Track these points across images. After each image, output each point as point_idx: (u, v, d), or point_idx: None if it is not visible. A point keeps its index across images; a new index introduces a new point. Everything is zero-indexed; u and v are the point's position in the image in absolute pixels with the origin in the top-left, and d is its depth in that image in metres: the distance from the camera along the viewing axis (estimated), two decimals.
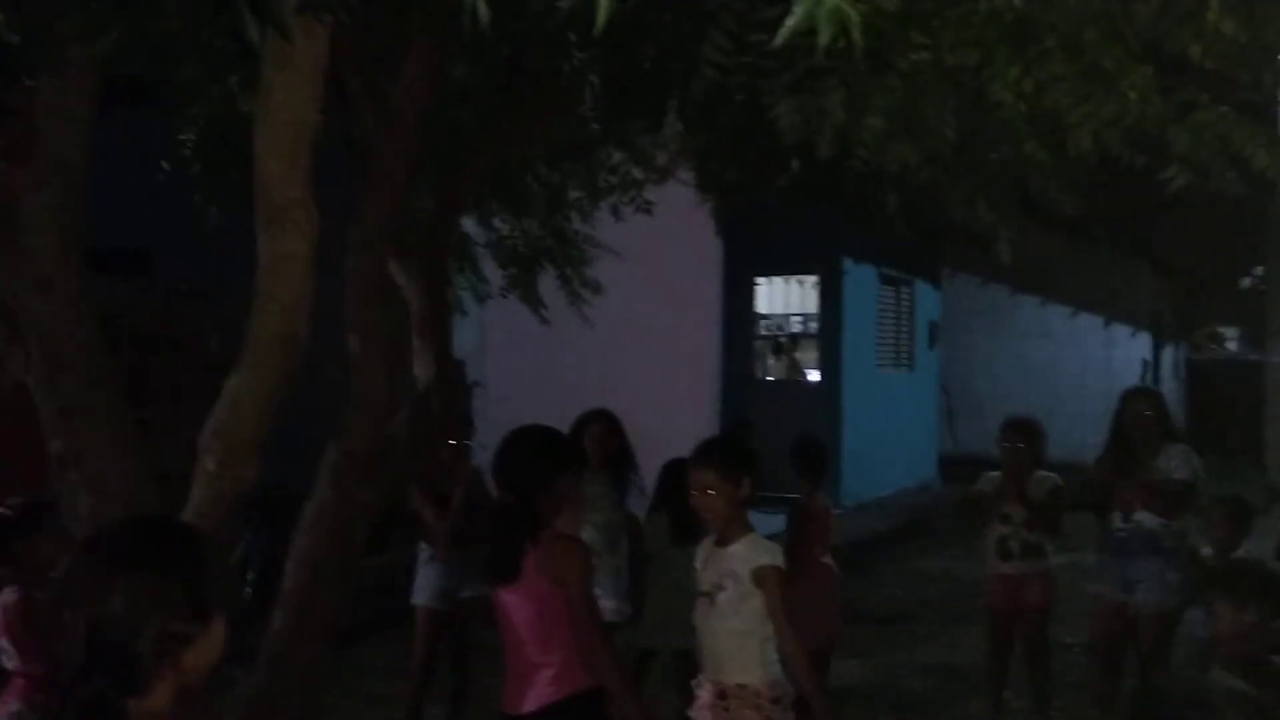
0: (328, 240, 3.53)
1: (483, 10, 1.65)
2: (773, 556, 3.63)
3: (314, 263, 3.18)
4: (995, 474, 5.82)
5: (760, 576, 3.58)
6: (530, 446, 3.49)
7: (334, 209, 3.54)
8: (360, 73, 3.87)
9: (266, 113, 3.06)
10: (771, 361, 14.30)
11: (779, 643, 3.59)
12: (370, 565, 6.00)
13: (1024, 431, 5.75)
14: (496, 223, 6.06)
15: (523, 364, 8.38)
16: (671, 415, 9.59)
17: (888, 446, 13.44)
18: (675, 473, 5.25)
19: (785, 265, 13.58)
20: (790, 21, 1.49)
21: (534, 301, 6.37)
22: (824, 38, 1.51)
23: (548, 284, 6.39)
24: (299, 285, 3.10)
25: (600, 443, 5.47)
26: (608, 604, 5.40)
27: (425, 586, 5.44)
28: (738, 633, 3.61)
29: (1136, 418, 5.37)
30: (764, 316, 14.59)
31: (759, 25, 2.69)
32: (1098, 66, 2.65)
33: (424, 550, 5.46)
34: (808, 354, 14.11)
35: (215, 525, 3.13)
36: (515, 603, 3.35)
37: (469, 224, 6.09)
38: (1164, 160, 3.29)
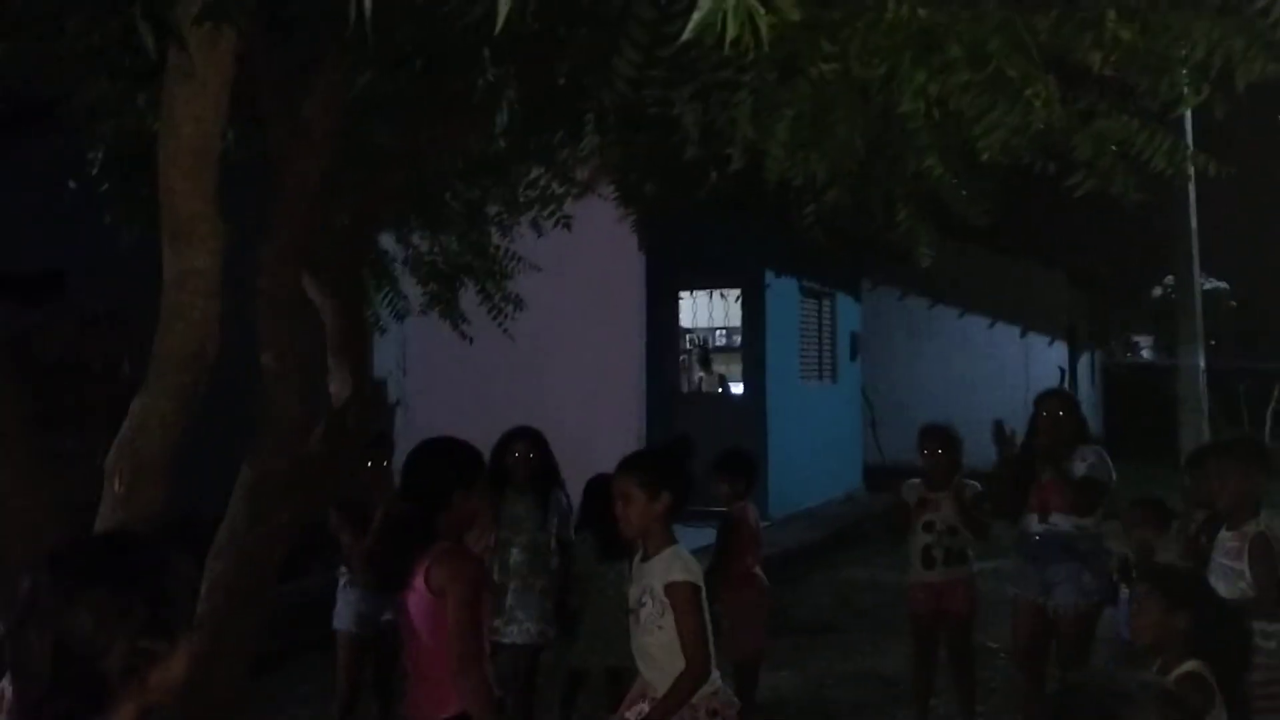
0: (243, 257, 3.47)
1: (367, 6, 1.62)
2: (685, 572, 3.55)
3: (227, 280, 3.12)
4: (916, 481, 5.90)
5: (671, 591, 3.52)
6: (433, 457, 3.47)
7: (248, 225, 3.48)
8: (271, 87, 3.81)
9: (170, 127, 2.99)
10: (701, 375, 14.37)
11: (686, 657, 3.49)
12: (291, 589, 5.89)
13: (940, 438, 5.84)
14: (415, 239, 5.99)
15: (445, 382, 8.30)
16: (597, 431, 9.58)
17: (813, 457, 13.56)
18: (600, 489, 5.23)
19: (708, 279, 13.67)
20: (696, 15, 1.48)
21: (455, 318, 6.31)
22: (731, 32, 1.50)
23: (469, 300, 6.34)
24: (205, 302, 3.03)
25: (524, 461, 5.42)
26: (530, 626, 5.36)
27: (345, 611, 5.35)
28: (663, 646, 3.55)
29: (1050, 420, 5.47)
30: (688, 330, 14.66)
31: (670, 38, 2.70)
32: (1002, 75, 2.70)
33: (343, 574, 5.37)
34: (732, 367, 14.20)
35: None
36: (408, 610, 3.31)
37: (387, 240, 6.02)
38: (1071, 168, 3.37)
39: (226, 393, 3.58)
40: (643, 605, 3.61)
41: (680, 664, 3.51)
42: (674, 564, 3.57)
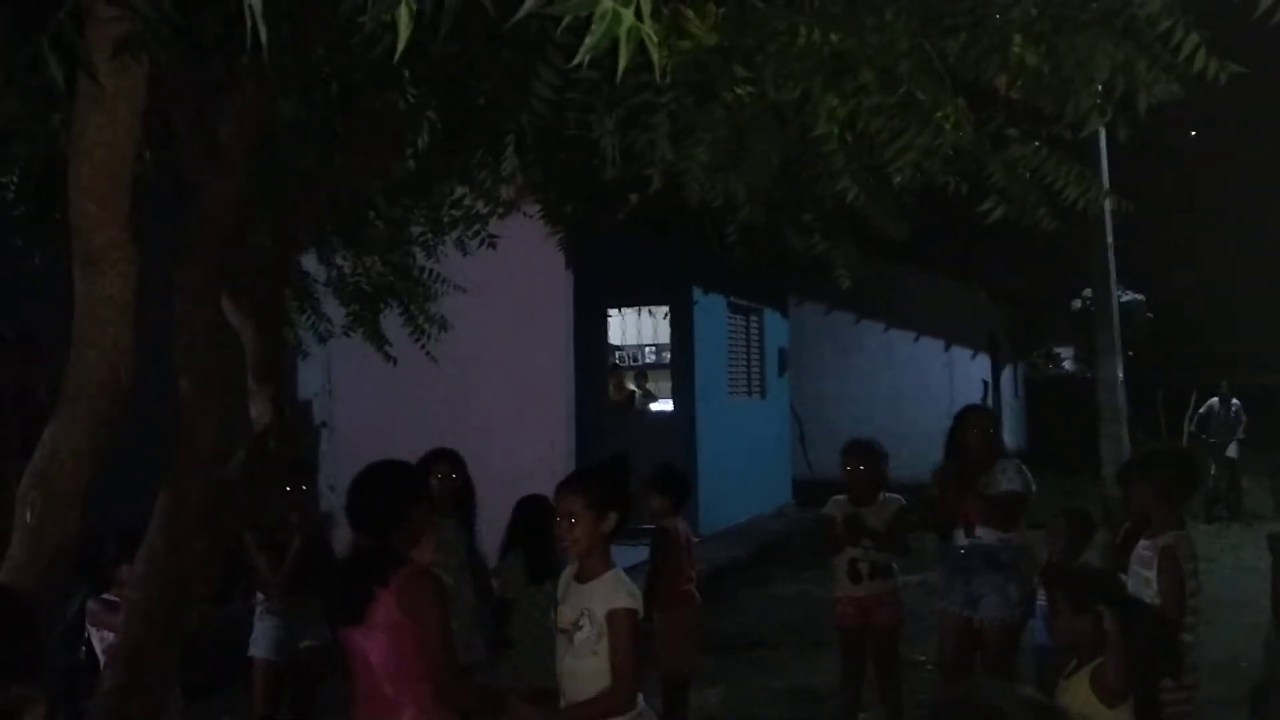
0: (160, 281, 3.41)
1: (262, 32, 1.61)
2: (630, 599, 3.50)
3: (141, 304, 3.07)
4: (842, 497, 5.96)
5: (612, 618, 3.45)
6: (382, 482, 3.45)
7: (164, 249, 3.43)
8: (185, 109, 3.76)
9: (81, 152, 2.94)
10: (638, 392, 14.40)
11: (612, 683, 3.45)
12: (213, 617, 5.77)
13: (864, 454, 5.91)
14: (338, 260, 5.93)
15: (372, 404, 8.21)
16: (526, 450, 9.55)
17: (742, 473, 13.63)
18: (529, 509, 5.21)
19: (637, 296, 13.72)
20: (589, 40, 1.50)
21: (378, 340, 6.25)
22: (623, 59, 1.52)
23: (394, 322, 6.28)
24: (117, 329, 2.98)
25: (447, 483, 5.36)
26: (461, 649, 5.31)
27: (261, 638, 5.25)
28: (596, 671, 3.48)
29: (969, 435, 5.58)
30: (617, 348, 14.68)
31: (588, 62, 2.72)
32: (913, 98, 2.76)
33: (259, 601, 5.27)
34: (661, 384, 14.24)
35: (35, 580, 2.98)
36: (371, 643, 3.27)
37: (309, 262, 5.96)
38: (985, 191, 3.45)
39: (145, 419, 3.52)
40: (579, 628, 3.53)
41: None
42: (618, 589, 3.51)
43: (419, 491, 3.54)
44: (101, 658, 4.28)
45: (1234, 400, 15.64)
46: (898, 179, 3.01)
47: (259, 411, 4.04)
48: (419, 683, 3.25)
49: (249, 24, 1.59)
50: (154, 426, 3.79)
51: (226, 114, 3.68)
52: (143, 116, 2.99)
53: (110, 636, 4.15)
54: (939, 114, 2.78)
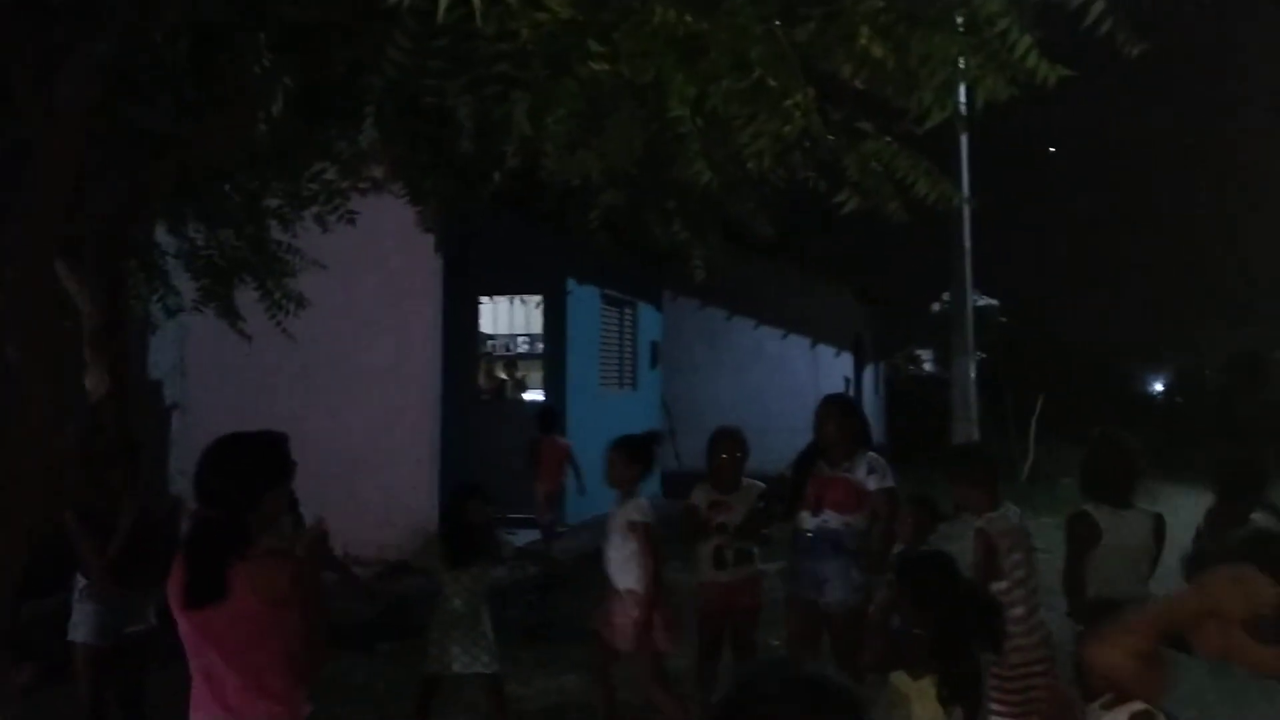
0: None
1: None
2: (640, 515, 5.42)
3: None
4: (705, 484, 6.01)
5: (631, 527, 5.40)
6: (238, 458, 3.20)
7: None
8: (22, 67, 3.59)
9: None
10: (509, 381, 14.28)
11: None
12: (43, 606, 5.52)
13: (732, 441, 5.99)
14: (190, 232, 5.74)
15: (228, 384, 7.97)
16: (389, 434, 9.40)
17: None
18: (452, 497, 5.29)
19: (510, 285, 13.61)
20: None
21: (231, 316, 6.06)
22: (481, 20, 1.50)
23: (249, 299, 6.10)
24: None
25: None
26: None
27: (82, 622, 4.96)
28: (628, 557, 5.43)
29: (827, 422, 5.68)
30: (489, 336, 14.56)
31: (443, 29, 2.68)
32: (764, 84, 2.80)
33: (79, 583, 5.00)
34: (532, 374, 14.17)
35: None
36: (218, 624, 3.08)
37: (160, 234, 5.75)
38: (841, 186, 3.52)
39: None
40: (614, 533, 5.46)
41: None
42: (638, 509, 5.44)
43: (280, 472, 3.28)
44: None
45: None
46: (751, 164, 3.05)
47: (95, 383, 3.89)
48: (268, 670, 3.10)
49: None
50: None
51: (65, 71, 3.52)
52: None
53: None
54: (789, 101, 2.82)
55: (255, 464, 3.23)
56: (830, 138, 3.24)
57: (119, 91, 3.91)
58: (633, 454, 5.66)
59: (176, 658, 3.30)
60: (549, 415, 10.62)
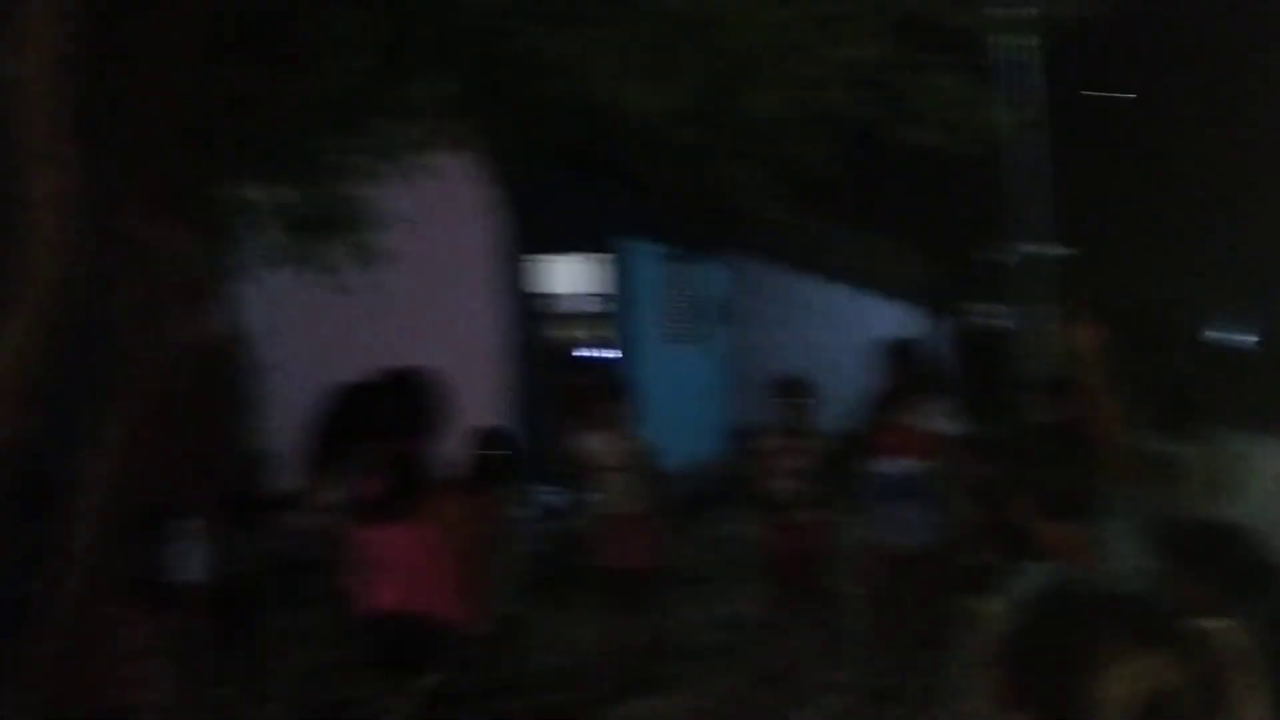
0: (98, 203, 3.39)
1: None
2: None
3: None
4: (773, 432, 6.10)
5: None
6: (418, 391, 3.69)
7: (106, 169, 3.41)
8: (108, 31, 3.70)
9: (21, 61, 2.93)
10: (577, 338, 14.43)
11: None
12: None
13: (797, 388, 6.08)
14: (280, 190, 5.87)
15: (306, 340, 8.17)
16: (458, 391, 9.53)
17: (679, 418, 13.74)
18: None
19: (576, 243, 13.70)
20: None
21: (321, 270, 6.19)
22: None
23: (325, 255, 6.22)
24: (60, 224, 2.97)
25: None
26: None
27: (193, 562, 5.14)
28: None
29: (894, 370, 5.74)
30: (554, 295, 14.67)
31: None
32: (836, 10, 2.81)
33: (184, 524, 5.14)
34: (599, 330, 14.27)
35: None
36: (401, 540, 3.51)
37: (253, 191, 5.88)
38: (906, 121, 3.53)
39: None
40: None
41: None
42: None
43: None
44: None
45: None
46: (821, 94, 3.07)
47: (194, 334, 4.03)
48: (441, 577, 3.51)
49: None
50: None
51: (156, 33, 3.64)
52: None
53: None
54: (861, 27, 2.83)
55: (429, 399, 3.65)
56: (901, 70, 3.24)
57: (212, 50, 4.02)
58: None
59: (283, 601, 3.60)
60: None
